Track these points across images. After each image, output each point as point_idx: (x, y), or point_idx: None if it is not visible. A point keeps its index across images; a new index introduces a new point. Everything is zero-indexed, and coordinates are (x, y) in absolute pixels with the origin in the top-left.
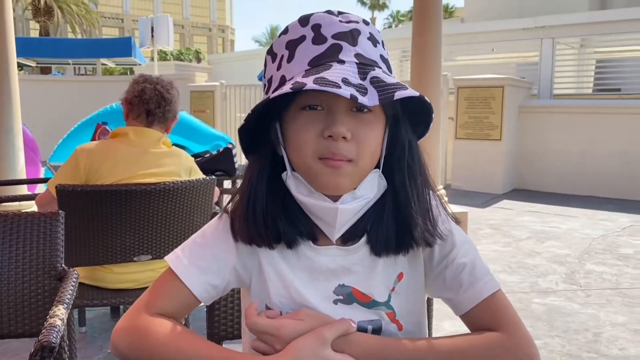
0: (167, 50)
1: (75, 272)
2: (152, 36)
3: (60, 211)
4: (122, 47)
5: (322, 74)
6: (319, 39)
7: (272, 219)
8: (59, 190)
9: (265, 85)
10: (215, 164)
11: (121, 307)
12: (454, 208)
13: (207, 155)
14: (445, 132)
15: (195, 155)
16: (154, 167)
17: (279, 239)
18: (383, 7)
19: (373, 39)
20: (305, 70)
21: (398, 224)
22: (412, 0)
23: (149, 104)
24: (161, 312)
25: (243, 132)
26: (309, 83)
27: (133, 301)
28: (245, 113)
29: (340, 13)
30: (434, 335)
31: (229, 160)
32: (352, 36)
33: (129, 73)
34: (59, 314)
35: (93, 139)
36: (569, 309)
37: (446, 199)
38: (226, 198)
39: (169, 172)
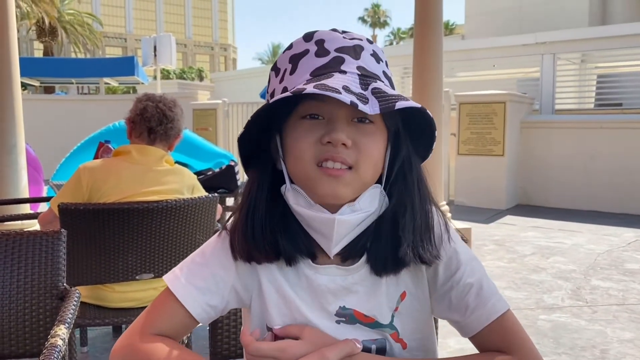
0: (170, 69)
1: (77, 291)
2: (155, 55)
3: (63, 230)
4: (125, 66)
5: (323, 81)
6: (321, 52)
7: (271, 234)
8: (61, 208)
9: (267, 101)
10: (218, 181)
11: (123, 326)
12: (458, 224)
13: (210, 172)
14: (448, 148)
15: (197, 173)
16: (157, 185)
17: (278, 254)
18: (384, 24)
19: (376, 56)
20: (307, 80)
21: (396, 242)
22: (413, 18)
23: (151, 122)
24: (159, 333)
25: (242, 143)
26: (309, 88)
27: None
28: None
29: (344, 31)
30: (440, 352)
31: (231, 177)
32: (355, 51)
33: (132, 92)
34: (60, 333)
35: (96, 158)
36: (575, 326)
37: (449, 215)
38: (229, 215)
39: (172, 190)
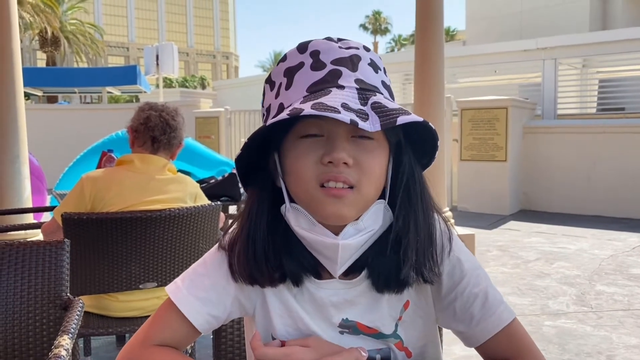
0: (172, 77)
1: (81, 301)
2: (157, 64)
3: (66, 240)
4: (127, 75)
5: (320, 100)
6: (317, 65)
7: (275, 257)
8: (64, 218)
9: (263, 114)
10: (221, 189)
11: (127, 335)
12: (461, 230)
13: (212, 181)
14: (450, 154)
15: (200, 181)
16: (160, 194)
17: (283, 277)
18: (385, 31)
19: (374, 65)
20: (304, 97)
21: (399, 260)
22: (414, 25)
23: (154, 131)
24: (162, 344)
25: (240, 162)
26: (307, 108)
27: None
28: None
29: (339, 40)
30: (444, 359)
31: (234, 185)
32: (352, 62)
33: (134, 101)
34: (64, 344)
35: (98, 167)
36: (580, 331)
37: (452, 221)
38: (226, 229)
39: (175, 199)
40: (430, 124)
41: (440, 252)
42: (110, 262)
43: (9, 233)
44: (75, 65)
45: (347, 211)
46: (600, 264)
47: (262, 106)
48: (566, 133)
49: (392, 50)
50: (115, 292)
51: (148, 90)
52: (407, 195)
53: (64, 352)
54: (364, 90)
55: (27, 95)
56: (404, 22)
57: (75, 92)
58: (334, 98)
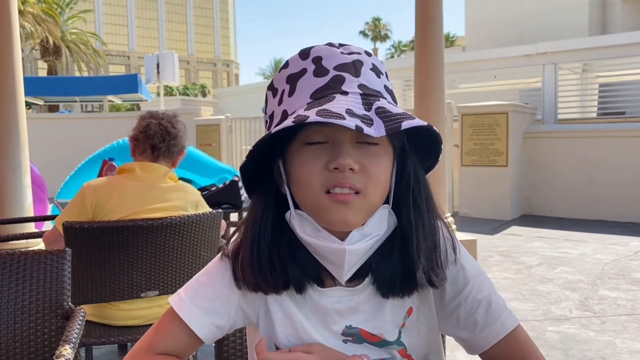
0: (173, 85)
1: (82, 310)
2: (158, 72)
3: (67, 249)
4: (128, 83)
5: (324, 106)
6: (320, 71)
7: (279, 263)
8: (65, 227)
9: (266, 121)
10: (222, 197)
11: (129, 344)
12: (463, 236)
13: (214, 188)
14: (451, 160)
15: (201, 189)
16: (161, 202)
17: (287, 284)
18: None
19: (376, 70)
20: (307, 104)
21: (404, 265)
22: (414, 31)
23: (154, 139)
24: (164, 352)
25: (245, 170)
26: (312, 116)
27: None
28: (251, 145)
29: (341, 45)
30: None
31: (235, 192)
32: (354, 67)
33: (135, 109)
34: (66, 353)
35: (100, 175)
36: (584, 337)
37: (454, 226)
38: (230, 236)
39: (176, 207)
40: (434, 127)
41: (444, 256)
42: (112, 271)
43: (10, 242)
44: (76, 74)
45: (353, 217)
46: (603, 268)
47: (265, 113)
48: (567, 138)
49: (392, 57)
50: (116, 301)
51: (149, 99)
52: (411, 197)
53: None
54: (368, 96)
55: (29, 105)
56: (403, 29)
57: (76, 101)
58: (338, 104)
